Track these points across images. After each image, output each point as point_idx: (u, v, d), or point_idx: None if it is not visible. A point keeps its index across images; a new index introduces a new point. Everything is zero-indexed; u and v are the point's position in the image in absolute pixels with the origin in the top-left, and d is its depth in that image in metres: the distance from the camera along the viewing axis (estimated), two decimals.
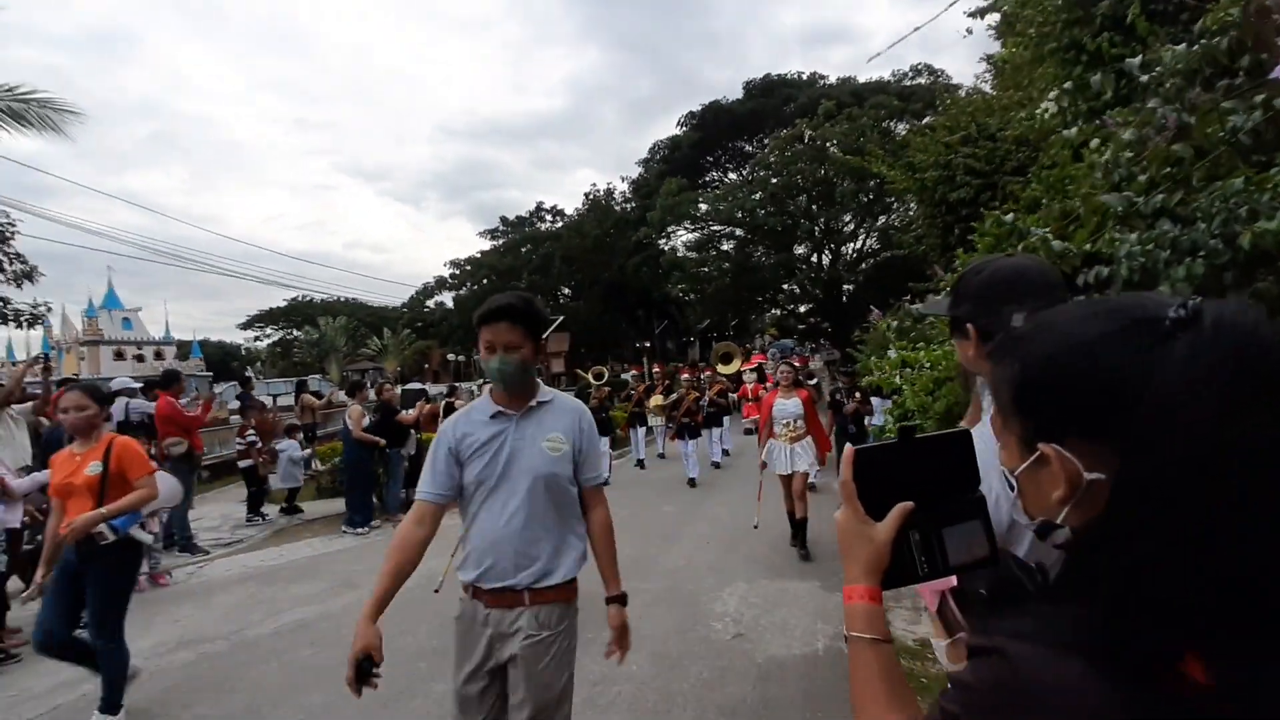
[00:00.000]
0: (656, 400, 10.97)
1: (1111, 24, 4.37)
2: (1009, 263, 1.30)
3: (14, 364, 23.79)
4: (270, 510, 8.01)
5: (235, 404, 13.17)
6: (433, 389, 21.35)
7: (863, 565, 0.74)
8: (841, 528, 0.76)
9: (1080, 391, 0.55)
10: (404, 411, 8.79)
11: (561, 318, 26.40)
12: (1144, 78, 2.03)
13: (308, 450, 8.67)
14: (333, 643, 4.22)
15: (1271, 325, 0.51)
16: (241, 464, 7.57)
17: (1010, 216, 2.45)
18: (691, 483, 8.98)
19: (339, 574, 5.66)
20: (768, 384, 8.19)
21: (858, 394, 8.08)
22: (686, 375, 12.19)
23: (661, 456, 11.61)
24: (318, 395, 14.16)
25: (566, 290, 34.20)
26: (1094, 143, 2.18)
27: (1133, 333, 0.53)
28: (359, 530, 7.07)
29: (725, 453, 11.03)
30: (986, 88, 10.71)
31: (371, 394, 8.93)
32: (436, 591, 3.60)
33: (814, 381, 9.23)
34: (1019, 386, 0.61)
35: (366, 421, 7.26)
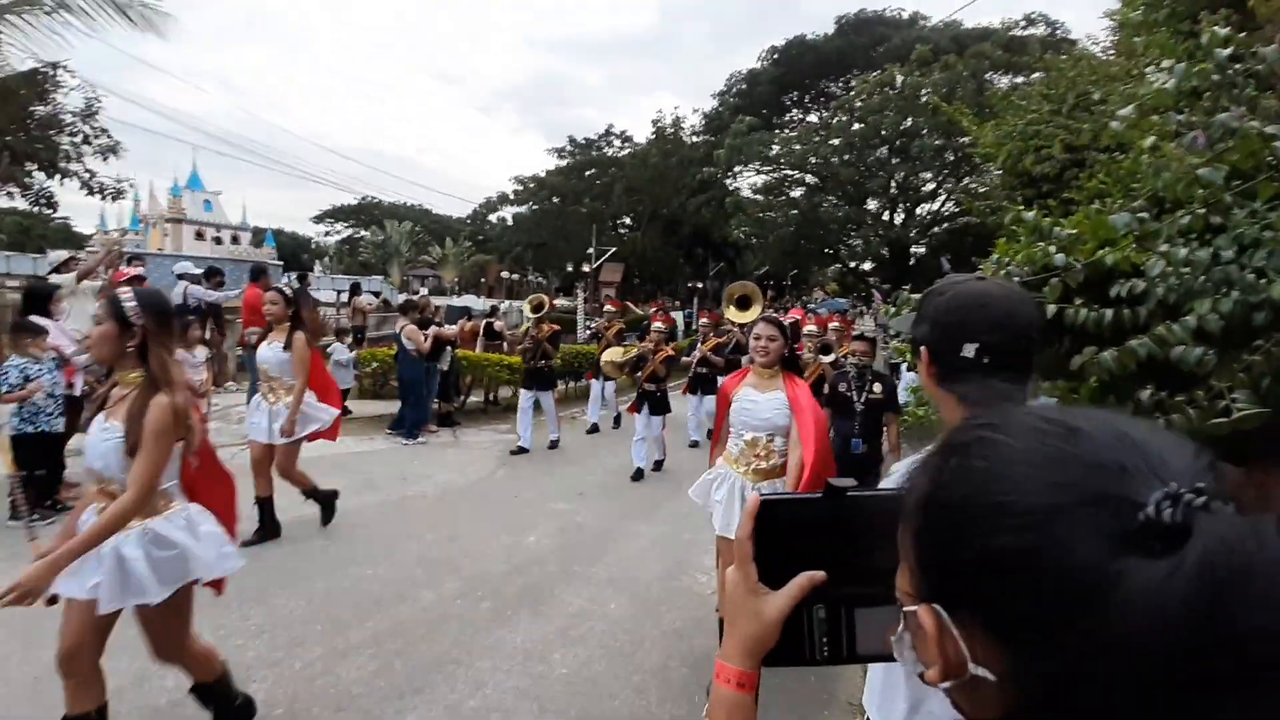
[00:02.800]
0: (611, 355, 7.71)
1: (1230, 1, 3.85)
2: (975, 289, 1.18)
3: (105, 232, 25.45)
4: None
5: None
6: (485, 305, 21.82)
7: (741, 643, 0.64)
8: (729, 590, 0.66)
9: (998, 574, 0.41)
10: (445, 327, 9.06)
11: (615, 249, 26.24)
12: (1216, 76, 1.79)
13: (354, 353, 9.08)
14: (341, 537, 4.56)
15: (1272, 557, 0.36)
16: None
17: (1045, 217, 2.24)
18: (637, 475, 6.47)
19: (364, 474, 6.03)
20: (800, 351, 5.28)
21: (873, 381, 4.53)
22: (705, 319, 9.32)
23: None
24: (377, 294, 14.72)
25: (627, 220, 33.79)
26: (1147, 142, 1.96)
27: (1096, 521, 0.38)
28: (410, 440, 7.46)
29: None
30: (1098, 49, 9.67)
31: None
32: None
33: (833, 358, 5.57)
34: (928, 518, 0.47)
35: (424, 339, 7.51)
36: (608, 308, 10.66)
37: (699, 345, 8.30)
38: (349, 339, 9.08)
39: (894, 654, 0.60)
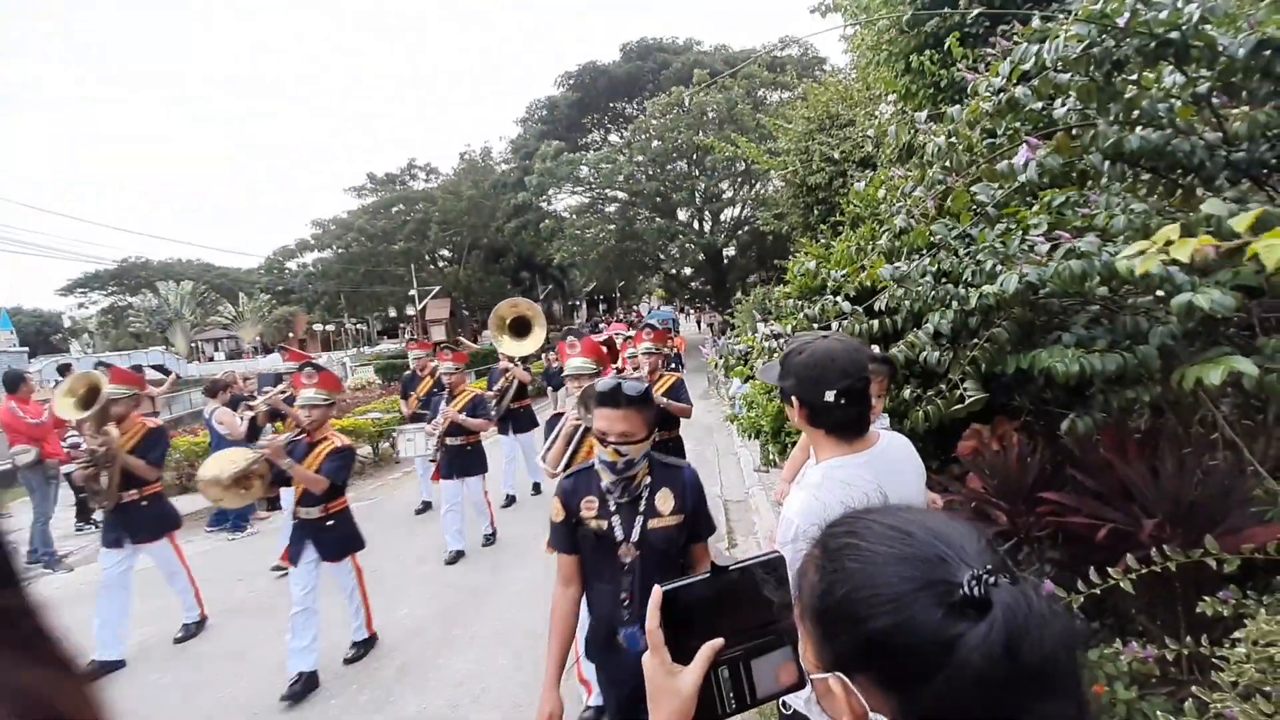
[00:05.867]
0: (215, 468, 3.91)
1: (933, 42, 4.83)
2: (823, 347, 1.53)
3: None
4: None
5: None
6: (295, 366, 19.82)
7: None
8: (648, 677, 0.74)
9: (879, 647, 0.59)
10: (271, 395, 8.21)
11: (439, 287, 25.37)
12: (923, 140, 2.32)
13: None
14: (182, 664, 4.03)
15: (1051, 617, 0.57)
16: (65, 469, 6.76)
17: (814, 264, 2.75)
18: (454, 558, 5.31)
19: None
20: (623, 367, 4.69)
21: (655, 484, 2.00)
22: (447, 363, 5.49)
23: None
24: (163, 370, 12.86)
25: (446, 253, 32.75)
26: (881, 191, 2.49)
27: (931, 598, 0.57)
28: (237, 533, 6.66)
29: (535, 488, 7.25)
30: (845, 72, 11.34)
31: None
32: None
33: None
34: (823, 610, 0.64)
35: (240, 422, 6.57)
36: (284, 364, 6.18)
37: (442, 407, 5.34)
38: None
39: (786, 691, 0.75)
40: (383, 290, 30.41)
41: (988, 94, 2.03)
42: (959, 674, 0.54)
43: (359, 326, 37.99)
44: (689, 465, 2.08)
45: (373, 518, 6.87)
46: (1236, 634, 1.58)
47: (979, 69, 2.53)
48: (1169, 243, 1.32)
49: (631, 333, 6.70)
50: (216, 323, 40.18)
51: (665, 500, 1.97)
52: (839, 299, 2.39)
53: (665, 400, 4.33)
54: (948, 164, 2.25)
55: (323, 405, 3.81)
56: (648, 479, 1.98)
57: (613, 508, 1.96)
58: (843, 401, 1.46)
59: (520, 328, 4.57)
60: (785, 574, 0.74)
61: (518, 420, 6.91)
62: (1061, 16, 1.95)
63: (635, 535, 1.94)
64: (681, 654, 0.72)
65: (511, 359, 6.20)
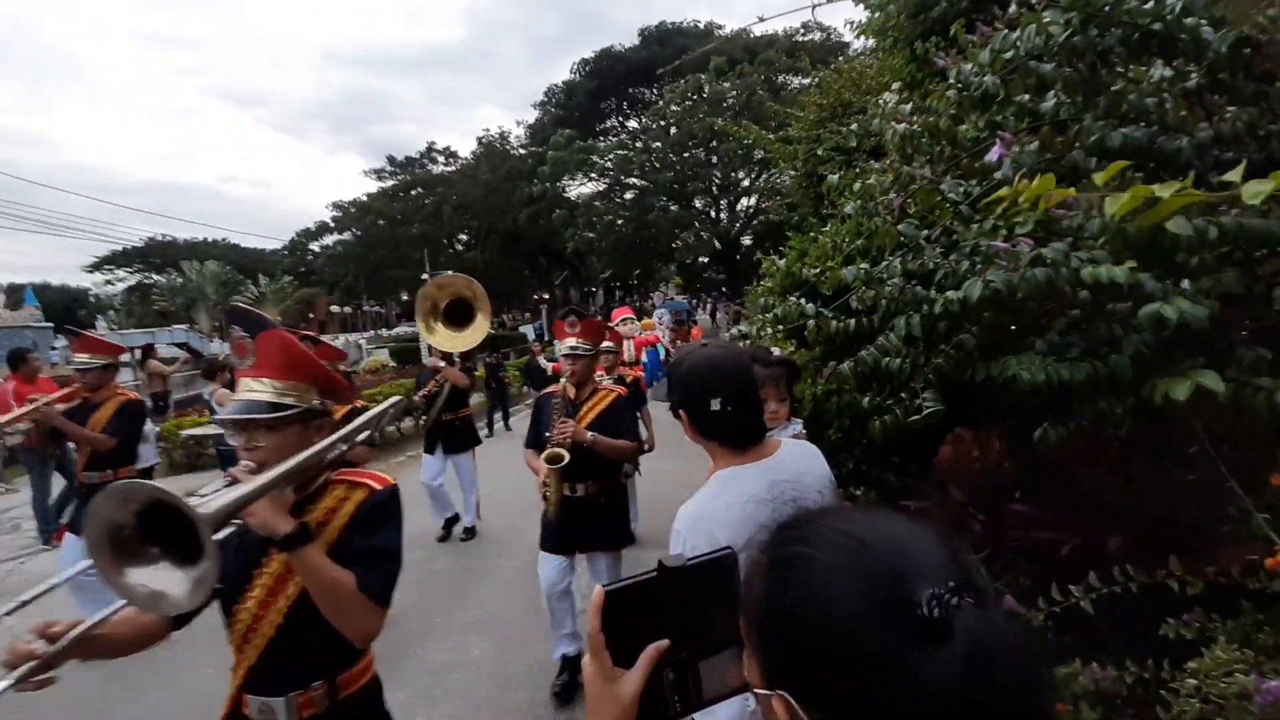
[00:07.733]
0: None
1: (939, 29, 4.66)
2: (703, 356, 1.48)
3: None
4: None
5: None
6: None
7: None
8: (587, 683, 0.70)
9: (824, 671, 0.53)
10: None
11: (450, 271, 25.45)
12: (890, 134, 2.21)
13: (157, 426, 8.03)
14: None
15: (1019, 647, 0.52)
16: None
17: (783, 261, 2.67)
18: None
19: None
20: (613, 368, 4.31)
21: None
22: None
23: None
24: (187, 348, 13.05)
25: (464, 237, 32.87)
26: (857, 185, 2.39)
27: (887, 620, 0.51)
28: None
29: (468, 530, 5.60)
30: (864, 56, 11.05)
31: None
32: None
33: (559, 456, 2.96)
34: (765, 624, 0.59)
35: None
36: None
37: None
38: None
39: (734, 693, 0.70)
40: (400, 274, 30.66)
41: (957, 83, 1.93)
42: (919, 704, 0.49)
43: (378, 309, 38.40)
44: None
45: None
46: (1190, 663, 1.50)
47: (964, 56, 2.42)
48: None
49: (628, 318, 6.35)
50: (240, 303, 40.88)
51: None
52: (801, 299, 2.31)
53: (591, 435, 2.96)
54: (928, 157, 2.15)
55: None
56: None
57: None
58: (729, 409, 1.41)
59: (458, 314, 3.15)
60: (737, 572, 0.69)
61: (451, 436, 5.21)
62: (1037, 4, 1.84)
63: None
64: (624, 657, 0.68)
65: (446, 356, 4.65)
